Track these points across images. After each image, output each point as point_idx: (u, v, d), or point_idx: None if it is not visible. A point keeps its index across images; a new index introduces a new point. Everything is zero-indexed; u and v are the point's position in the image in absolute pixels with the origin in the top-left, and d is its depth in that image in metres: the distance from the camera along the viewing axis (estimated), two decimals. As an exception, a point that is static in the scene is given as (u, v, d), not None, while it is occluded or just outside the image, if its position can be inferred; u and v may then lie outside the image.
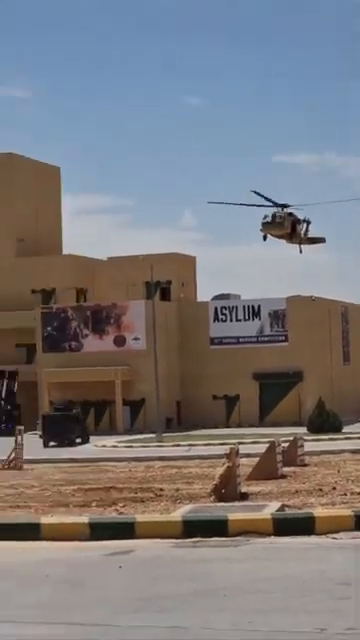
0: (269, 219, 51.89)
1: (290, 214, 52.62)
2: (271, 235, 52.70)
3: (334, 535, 16.34)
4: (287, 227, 52.43)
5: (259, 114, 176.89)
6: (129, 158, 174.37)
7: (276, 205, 52.25)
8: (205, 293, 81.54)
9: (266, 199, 50.87)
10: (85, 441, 53.71)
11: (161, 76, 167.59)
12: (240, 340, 70.18)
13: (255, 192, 50.64)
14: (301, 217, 54.56)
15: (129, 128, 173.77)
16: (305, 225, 55.11)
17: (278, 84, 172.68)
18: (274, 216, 51.87)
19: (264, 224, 51.79)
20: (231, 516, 17.22)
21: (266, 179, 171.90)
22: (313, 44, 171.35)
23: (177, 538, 16.52)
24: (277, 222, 51.95)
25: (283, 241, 55.29)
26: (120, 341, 68.65)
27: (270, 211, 52.47)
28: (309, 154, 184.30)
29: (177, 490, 25.47)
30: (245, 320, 70.18)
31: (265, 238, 52.57)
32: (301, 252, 56.30)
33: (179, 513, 18.78)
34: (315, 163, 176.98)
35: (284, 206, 52.44)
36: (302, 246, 56.23)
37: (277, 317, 69.79)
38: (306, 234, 55.64)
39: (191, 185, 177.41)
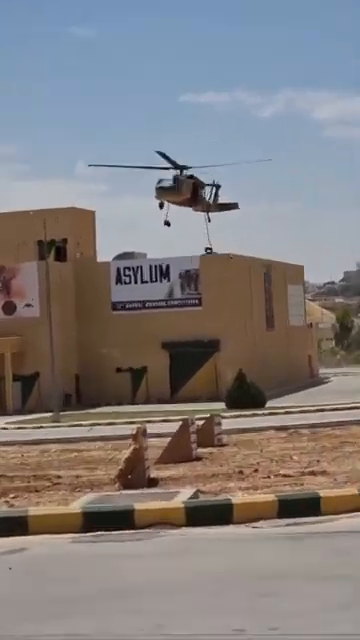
0: (163, 184, 50.85)
1: (191, 177, 51.67)
2: (169, 202, 51.88)
3: (254, 524, 16.41)
4: (185, 192, 51.52)
5: (160, 49, 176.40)
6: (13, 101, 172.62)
7: (176, 167, 51.33)
8: (106, 252, 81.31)
9: (170, 161, 50.02)
10: None
11: (47, 3, 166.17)
12: (146, 305, 70.12)
13: (159, 153, 49.96)
14: (208, 181, 53.95)
15: (14, 68, 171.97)
16: (214, 189, 54.46)
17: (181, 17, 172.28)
18: (174, 179, 50.74)
19: (158, 189, 50.85)
20: (138, 506, 17.20)
21: (172, 121, 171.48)
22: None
23: (77, 532, 16.45)
24: (172, 187, 51.01)
25: (189, 209, 54.62)
26: (10, 308, 68.14)
27: (168, 174, 51.58)
28: (218, 92, 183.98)
29: (77, 477, 25.41)
30: (152, 282, 70.06)
31: (162, 206, 51.71)
32: (210, 221, 55.85)
33: (78, 504, 18.70)
34: (225, 102, 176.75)
35: (183, 168, 51.56)
36: (212, 213, 55.70)
37: (189, 278, 69.76)
38: (215, 200, 54.88)
39: (90, 130, 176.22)
